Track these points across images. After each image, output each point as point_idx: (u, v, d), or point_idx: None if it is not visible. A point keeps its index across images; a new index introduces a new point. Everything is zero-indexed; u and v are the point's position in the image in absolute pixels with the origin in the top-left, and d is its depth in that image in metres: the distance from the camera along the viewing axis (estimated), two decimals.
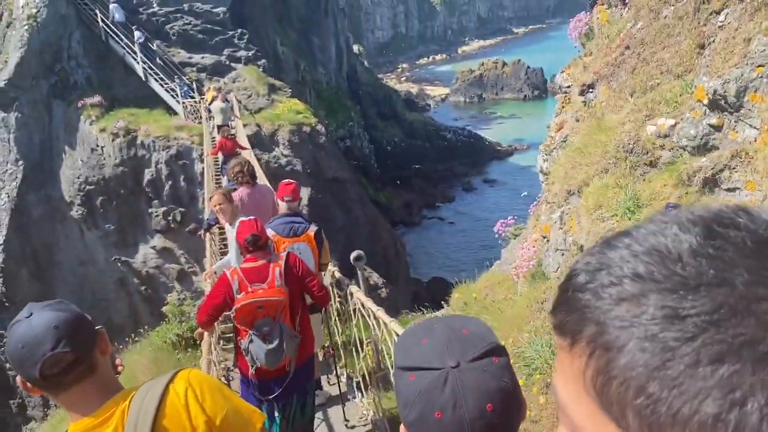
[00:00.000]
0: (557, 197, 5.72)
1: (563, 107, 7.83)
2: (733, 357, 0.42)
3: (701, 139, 4.69)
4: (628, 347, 0.45)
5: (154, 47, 24.28)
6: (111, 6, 23.28)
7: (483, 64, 68.46)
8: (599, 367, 0.47)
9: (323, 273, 5.66)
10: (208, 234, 8.16)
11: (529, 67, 64.94)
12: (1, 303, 23.27)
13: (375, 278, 22.43)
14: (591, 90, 6.81)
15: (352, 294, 5.20)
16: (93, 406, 1.73)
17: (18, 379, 1.71)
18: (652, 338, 0.44)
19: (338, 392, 5.57)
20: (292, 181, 5.67)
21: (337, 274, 5.92)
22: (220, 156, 13.77)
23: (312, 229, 5.24)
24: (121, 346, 11.13)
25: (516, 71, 65.28)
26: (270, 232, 4.98)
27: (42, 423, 18.57)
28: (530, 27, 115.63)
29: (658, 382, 0.43)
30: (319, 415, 5.49)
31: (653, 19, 6.17)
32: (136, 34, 23.10)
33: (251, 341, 4.00)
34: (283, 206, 5.36)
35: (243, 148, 15.58)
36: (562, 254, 5.38)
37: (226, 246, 7.83)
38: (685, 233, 0.48)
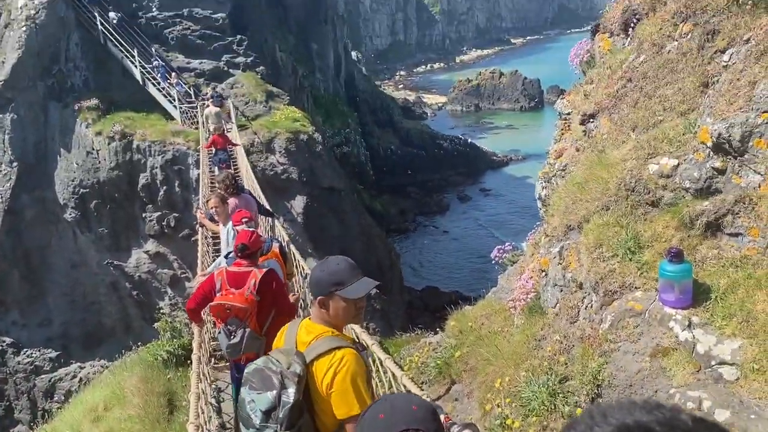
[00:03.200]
0: (557, 231, 5.68)
1: (563, 134, 7.80)
2: None
3: (704, 181, 4.66)
4: None
5: (153, 51, 24.27)
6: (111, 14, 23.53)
7: (480, 74, 68.55)
8: None
9: (291, 281, 6.67)
10: (200, 232, 8.86)
11: (525, 78, 65.03)
12: None
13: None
14: (592, 120, 6.78)
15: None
16: None
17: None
18: None
19: None
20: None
21: None
22: (213, 150, 14.69)
23: (275, 246, 5.99)
24: (109, 363, 11.01)
25: (513, 82, 65.37)
26: None
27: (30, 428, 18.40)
28: (528, 38, 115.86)
29: None
30: None
31: (656, 53, 6.14)
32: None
33: (219, 333, 4.78)
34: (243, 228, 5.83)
35: (234, 145, 16.09)
36: (561, 290, 5.33)
37: (216, 247, 8.67)
38: None
